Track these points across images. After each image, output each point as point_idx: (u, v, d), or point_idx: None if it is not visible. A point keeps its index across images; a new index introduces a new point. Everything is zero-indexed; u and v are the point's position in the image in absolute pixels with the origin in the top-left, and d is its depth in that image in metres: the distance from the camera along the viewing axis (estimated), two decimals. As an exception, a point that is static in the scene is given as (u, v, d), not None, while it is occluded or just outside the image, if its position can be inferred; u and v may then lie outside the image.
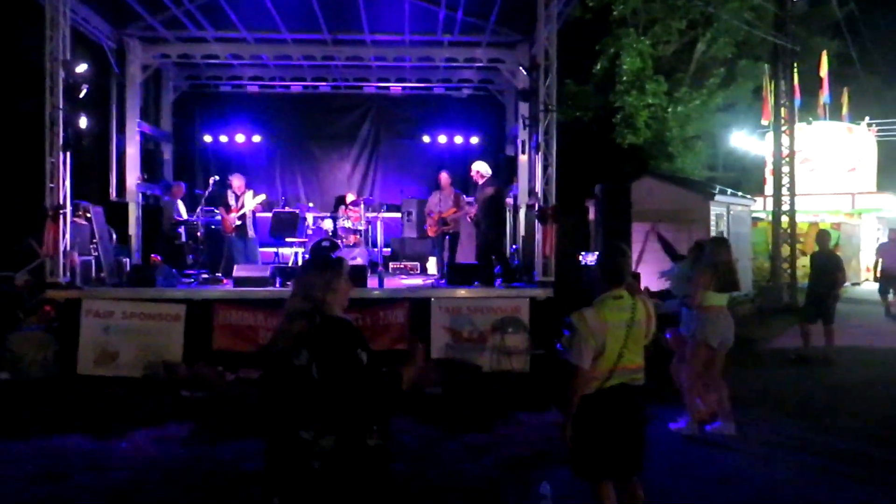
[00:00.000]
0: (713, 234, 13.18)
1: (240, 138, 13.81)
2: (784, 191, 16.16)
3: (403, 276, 11.41)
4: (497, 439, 6.21)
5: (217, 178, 11.42)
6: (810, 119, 23.08)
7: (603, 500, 3.75)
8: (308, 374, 2.77)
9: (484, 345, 8.33)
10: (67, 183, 8.70)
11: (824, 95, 22.54)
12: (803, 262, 14.88)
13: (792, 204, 16.15)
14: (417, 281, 10.68)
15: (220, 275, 10.38)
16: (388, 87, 13.69)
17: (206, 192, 11.26)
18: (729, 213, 14.63)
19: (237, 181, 11.09)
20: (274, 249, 12.02)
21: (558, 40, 9.18)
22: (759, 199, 19.64)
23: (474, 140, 14.03)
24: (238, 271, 9.27)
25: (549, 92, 9.05)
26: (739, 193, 16.22)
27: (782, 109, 16.25)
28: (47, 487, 5.14)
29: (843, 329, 10.30)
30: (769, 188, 18.27)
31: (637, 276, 8.71)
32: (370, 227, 12.03)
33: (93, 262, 9.45)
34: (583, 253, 10.38)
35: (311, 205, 13.02)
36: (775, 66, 16.81)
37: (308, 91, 13.75)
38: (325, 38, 11.24)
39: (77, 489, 5.11)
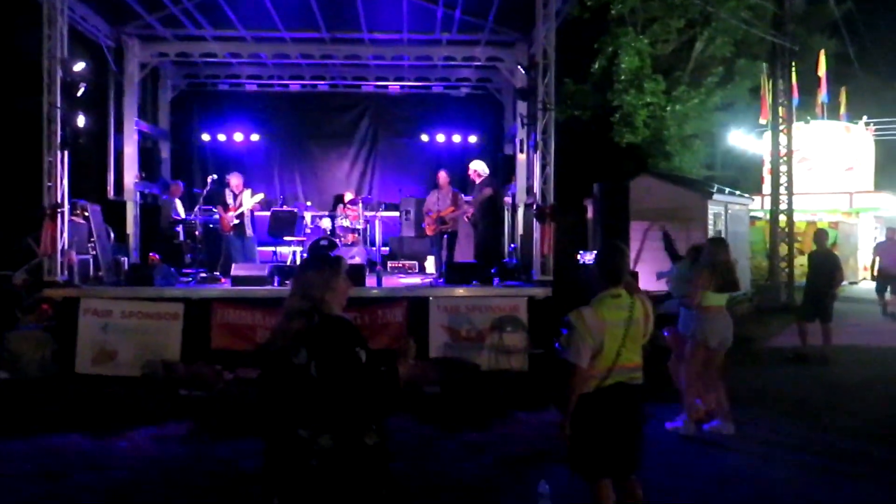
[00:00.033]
0: (711, 232, 13.19)
1: (238, 137, 13.80)
2: (782, 190, 16.16)
3: (402, 275, 11.41)
4: (495, 438, 6.22)
5: (215, 176, 11.40)
6: (808, 118, 23.10)
7: (601, 499, 3.75)
8: (307, 373, 2.77)
9: (482, 344, 8.33)
10: (65, 181, 8.68)
11: (822, 94, 22.56)
12: (801, 261, 14.91)
13: (790, 203, 16.16)
14: (416, 280, 10.68)
15: (218, 274, 10.38)
16: (386, 86, 13.69)
17: (205, 191, 11.24)
18: (727, 212, 14.64)
19: (235, 180, 11.07)
20: (272, 248, 12.03)
21: (557, 39, 9.18)
22: (757, 198, 19.66)
23: (472, 139, 14.03)
24: (236, 270, 9.26)
25: (547, 91, 9.05)
26: (737, 192, 16.23)
27: (780, 108, 16.25)
28: (46, 486, 5.14)
29: (840, 328, 10.32)
30: (767, 187, 18.30)
31: (635, 275, 8.72)
32: (368, 225, 12.04)
33: (91, 260, 9.44)
34: (581, 252, 10.38)
35: (309, 204, 13.03)
36: (773, 66, 16.82)
37: (306, 90, 13.75)
38: (324, 36, 11.24)
39: (76, 488, 5.11)
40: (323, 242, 9.56)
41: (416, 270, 11.88)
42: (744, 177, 24.33)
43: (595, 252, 4.92)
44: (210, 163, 13.80)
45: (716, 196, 14.14)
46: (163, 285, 8.96)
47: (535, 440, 6.06)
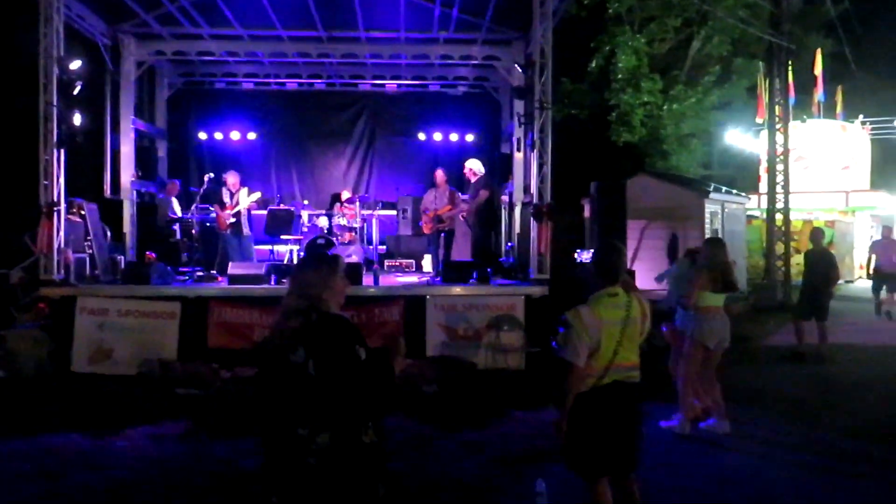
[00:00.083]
0: (708, 231, 13.21)
1: (235, 135, 13.78)
2: (778, 188, 16.19)
3: (399, 274, 11.41)
4: (492, 437, 6.22)
5: (212, 175, 11.39)
6: (805, 117, 23.12)
7: (598, 498, 3.76)
8: (304, 371, 2.77)
9: (479, 342, 8.33)
10: (62, 180, 8.66)
11: (819, 93, 22.60)
12: (797, 260, 14.92)
13: (786, 202, 16.19)
14: (413, 278, 10.68)
15: (214, 272, 10.36)
16: (383, 85, 13.67)
17: (201, 190, 11.22)
18: (723, 211, 14.67)
19: (232, 178, 11.06)
20: (269, 247, 12.01)
21: (554, 38, 9.18)
22: (754, 197, 19.69)
23: (470, 137, 14.02)
24: (233, 269, 9.24)
25: (544, 89, 9.05)
26: (734, 191, 16.27)
27: (777, 107, 16.28)
28: (43, 485, 5.13)
29: (836, 326, 10.35)
30: (763, 186, 18.34)
31: (632, 274, 8.73)
32: (365, 224, 12.03)
33: (87, 259, 9.41)
34: (578, 250, 10.40)
35: (306, 202, 13.01)
36: (770, 65, 16.85)
37: (303, 88, 13.70)
38: (321, 35, 11.22)
39: (73, 487, 5.10)
40: (320, 241, 9.56)
41: (413, 269, 11.87)
42: (740, 176, 24.34)
43: (592, 251, 4.92)
44: (207, 161, 13.78)
45: (712, 195, 14.17)
46: (159, 284, 8.94)
47: (532, 439, 6.06)
